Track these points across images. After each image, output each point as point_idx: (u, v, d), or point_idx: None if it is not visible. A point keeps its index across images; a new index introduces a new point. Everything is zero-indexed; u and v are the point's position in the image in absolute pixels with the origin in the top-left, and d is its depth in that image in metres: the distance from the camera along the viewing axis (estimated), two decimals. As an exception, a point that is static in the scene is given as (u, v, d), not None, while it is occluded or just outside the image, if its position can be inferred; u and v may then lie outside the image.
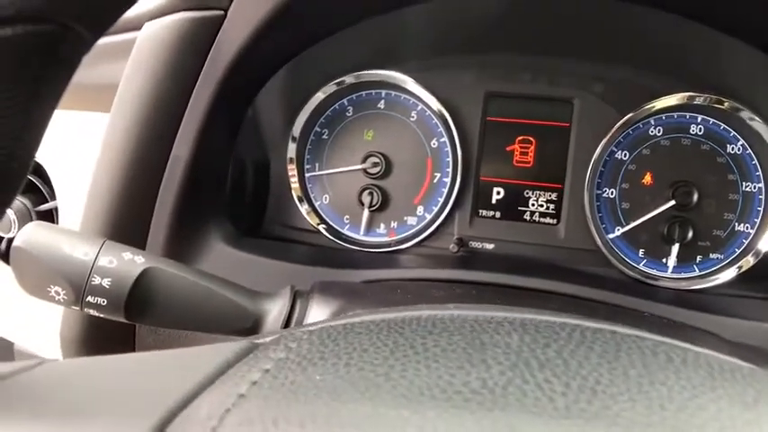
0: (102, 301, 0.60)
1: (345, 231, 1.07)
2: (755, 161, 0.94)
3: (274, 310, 0.67)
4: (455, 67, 1.02)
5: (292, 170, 1.05)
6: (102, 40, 0.38)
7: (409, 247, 1.04)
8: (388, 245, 1.04)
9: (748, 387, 0.37)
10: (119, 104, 0.83)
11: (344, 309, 0.69)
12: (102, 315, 0.61)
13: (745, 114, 0.91)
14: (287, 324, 0.65)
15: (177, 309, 0.63)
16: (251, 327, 0.65)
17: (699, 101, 0.91)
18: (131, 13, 0.66)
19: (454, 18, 0.97)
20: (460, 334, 0.41)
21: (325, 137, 1.07)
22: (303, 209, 1.06)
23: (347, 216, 1.07)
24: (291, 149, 1.05)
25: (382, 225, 1.06)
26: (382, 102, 1.05)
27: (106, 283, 0.59)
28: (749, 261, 0.93)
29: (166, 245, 0.85)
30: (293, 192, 1.06)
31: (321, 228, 1.05)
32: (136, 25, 0.85)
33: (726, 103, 0.91)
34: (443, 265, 0.95)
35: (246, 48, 0.81)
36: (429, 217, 1.03)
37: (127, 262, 0.60)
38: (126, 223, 0.83)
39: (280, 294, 0.69)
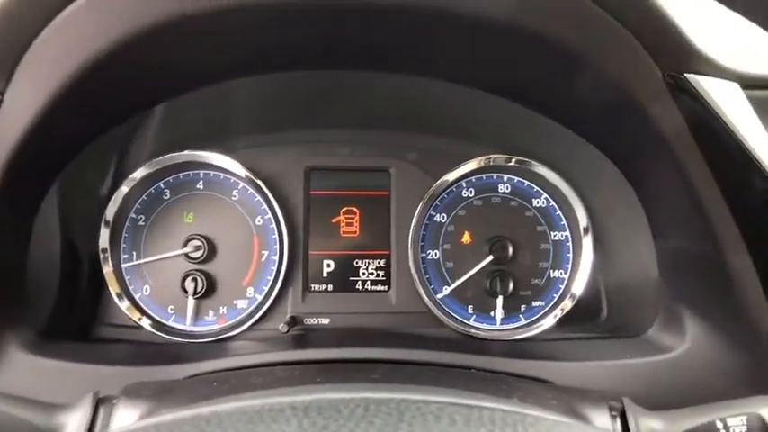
0: None
1: (170, 323, 0.99)
2: (559, 212, 1.01)
3: (72, 423, 0.59)
4: (274, 143, 1.02)
5: (107, 262, 0.97)
6: None
7: (242, 332, 0.98)
8: (219, 332, 0.98)
9: None
10: None
11: (153, 411, 0.62)
12: None
13: (545, 171, 0.99)
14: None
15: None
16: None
17: (496, 161, 0.98)
18: None
19: (270, 96, 0.97)
20: (234, 429, 0.38)
21: (141, 223, 1.00)
22: (122, 304, 0.97)
23: (171, 306, 0.99)
24: (104, 239, 0.97)
25: (210, 312, 1.00)
26: (201, 182, 1.01)
27: None
28: (568, 304, 0.98)
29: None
30: (109, 286, 0.97)
31: (143, 322, 0.97)
32: None
33: (521, 162, 0.98)
34: (277, 347, 0.90)
35: (27, 135, 0.74)
36: (260, 298, 0.99)
37: None
38: None
39: (79, 404, 0.61)
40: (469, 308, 0.99)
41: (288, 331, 0.92)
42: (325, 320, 0.99)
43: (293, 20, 0.68)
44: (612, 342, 0.94)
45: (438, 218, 1.00)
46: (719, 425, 0.65)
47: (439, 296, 0.99)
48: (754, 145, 0.72)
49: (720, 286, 0.78)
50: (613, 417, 0.67)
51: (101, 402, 0.62)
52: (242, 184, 1.01)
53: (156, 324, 0.98)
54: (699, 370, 0.82)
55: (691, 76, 0.72)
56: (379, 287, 1.00)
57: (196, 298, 0.98)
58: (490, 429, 0.37)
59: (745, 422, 0.63)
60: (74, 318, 0.97)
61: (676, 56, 0.71)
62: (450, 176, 0.99)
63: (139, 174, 0.97)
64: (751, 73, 0.77)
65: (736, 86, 0.75)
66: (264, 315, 0.98)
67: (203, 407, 0.44)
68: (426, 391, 0.47)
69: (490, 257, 0.98)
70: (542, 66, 0.76)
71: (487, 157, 0.98)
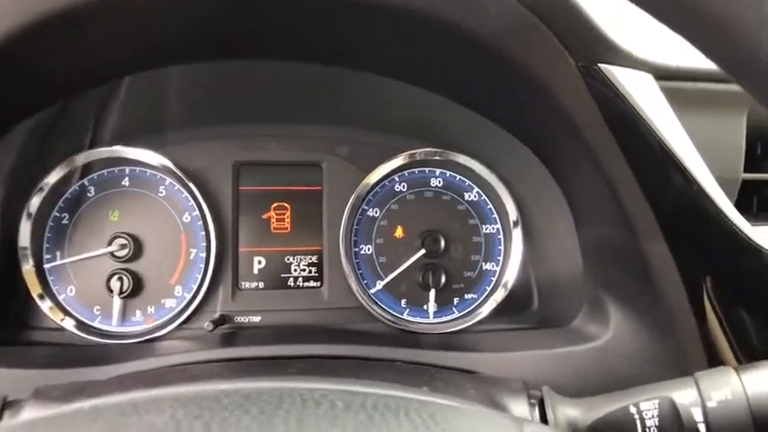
0: None
1: (96, 324, 0.96)
2: (490, 205, 1.02)
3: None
4: (202, 138, 1.00)
5: (28, 261, 0.93)
6: None
7: (170, 331, 0.95)
8: (146, 333, 0.95)
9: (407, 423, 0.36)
10: None
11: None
12: None
13: (475, 165, 0.99)
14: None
15: None
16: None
17: (427, 156, 0.98)
18: None
19: (197, 90, 0.95)
20: (106, 421, 0.37)
21: (65, 221, 0.97)
22: (44, 305, 0.93)
23: (97, 307, 0.96)
24: (25, 237, 0.93)
25: (138, 312, 0.97)
26: (126, 179, 0.98)
27: None
28: (500, 296, 0.99)
29: None
30: (30, 286, 0.93)
31: (66, 323, 0.93)
32: None
33: (452, 156, 0.99)
34: (205, 346, 0.88)
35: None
36: (188, 296, 0.97)
37: None
38: None
39: None
40: (403, 302, 0.99)
41: (213, 329, 0.90)
42: (256, 318, 0.97)
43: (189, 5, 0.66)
44: (541, 332, 0.95)
45: (371, 212, 1.00)
46: (633, 410, 0.65)
47: (372, 291, 0.98)
48: (667, 135, 0.74)
49: (640, 274, 0.80)
50: (532, 405, 0.68)
51: (7, 406, 0.60)
52: (169, 181, 0.98)
53: (81, 325, 0.94)
54: (622, 357, 0.84)
55: (604, 67, 0.73)
56: (312, 284, 0.99)
57: (122, 297, 0.95)
58: (370, 414, 0.36)
59: (657, 406, 0.64)
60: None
61: (589, 46, 0.72)
62: (382, 171, 0.98)
63: (61, 171, 0.94)
64: (664, 64, 0.78)
65: (649, 77, 0.76)
66: (193, 314, 0.96)
67: (87, 402, 0.42)
68: (323, 381, 0.46)
69: (422, 251, 0.98)
70: (456, 55, 0.76)
71: (418, 150, 0.98)
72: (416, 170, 1.01)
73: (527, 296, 1.02)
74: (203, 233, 0.97)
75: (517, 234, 0.99)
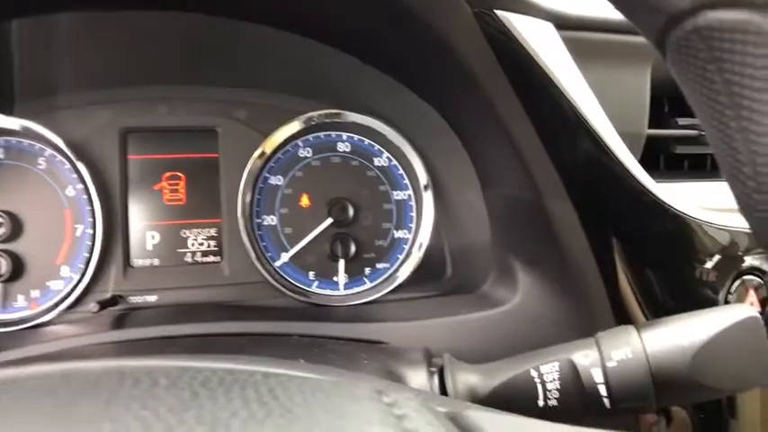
0: None
1: (-28, 312, 0.87)
2: (401, 171, 0.97)
3: None
4: (84, 104, 0.91)
5: None
6: None
7: (58, 315, 0.88)
8: (31, 318, 0.87)
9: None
10: None
11: None
12: None
13: (384, 128, 0.94)
14: None
15: None
16: None
17: (329, 118, 0.92)
18: None
19: (76, 49, 0.86)
20: None
21: (-69, 201, 0.87)
22: None
23: (-26, 293, 0.87)
24: None
25: (20, 297, 0.89)
26: (1, 151, 0.89)
27: None
28: (413, 263, 0.95)
29: None
30: None
31: (-63, 313, 0.85)
32: None
33: (358, 118, 0.93)
34: (96, 329, 0.81)
35: None
36: (76, 277, 0.89)
37: None
38: None
39: None
40: (311, 274, 0.94)
41: (100, 311, 0.83)
42: (152, 297, 0.90)
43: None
44: (452, 299, 0.92)
45: (273, 180, 0.94)
46: (534, 373, 0.63)
47: (277, 264, 0.93)
48: (567, 87, 0.70)
49: (546, 236, 0.77)
50: (431, 374, 0.65)
51: None
52: (49, 151, 0.89)
53: (-46, 314, 0.86)
54: (530, 321, 0.81)
55: (501, 13, 0.68)
56: (211, 258, 0.92)
57: (2, 282, 0.87)
58: (196, 391, 0.32)
59: (557, 368, 0.62)
60: None
61: (486, -9, 0.67)
62: (283, 134, 0.92)
63: None
64: (565, 12, 0.74)
65: (549, 26, 0.72)
66: (83, 296, 0.89)
67: None
68: (183, 359, 0.41)
69: (330, 220, 0.93)
70: (350, 5, 0.70)
71: (319, 112, 0.92)
72: (322, 134, 0.95)
73: (440, 263, 0.98)
74: (89, 208, 0.89)
75: (428, 199, 0.95)
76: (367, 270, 0.95)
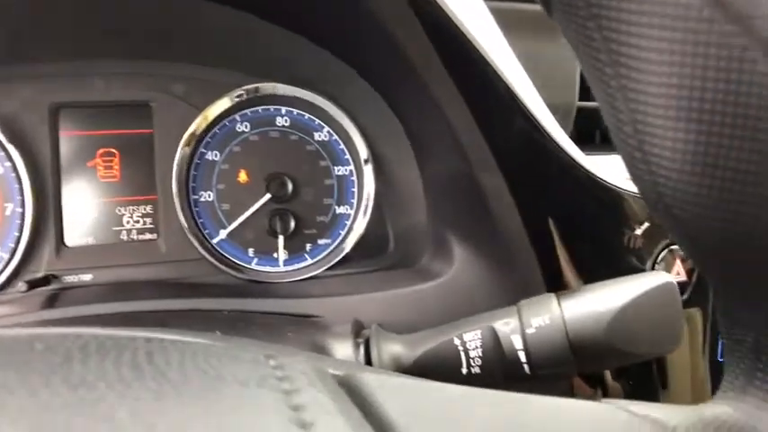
0: None
1: None
2: (342, 146, 0.96)
3: None
4: (12, 78, 0.88)
5: None
6: None
7: (-11, 295, 0.86)
8: (-40, 300, 0.85)
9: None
10: None
11: None
12: None
13: (323, 102, 0.93)
14: None
15: None
16: None
17: (265, 90, 0.91)
18: None
19: (6, 24, 0.83)
20: None
21: None
22: None
23: None
24: None
25: (-53, 278, 0.86)
26: (-77, 128, 0.86)
27: None
28: (354, 239, 0.95)
29: None
30: None
31: None
32: None
33: (296, 92, 0.92)
34: (29, 308, 0.80)
35: None
36: (7, 257, 0.87)
37: None
38: None
39: None
40: (250, 251, 0.93)
41: (28, 290, 0.81)
42: (87, 276, 0.89)
43: None
44: (392, 273, 0.92)
45: (210, 156, 0.92)
46: (457, 341, 0.64)
47: (215, 241, 0.92)
48: (496, 58, 0.70)
49: (479, 210, 0.77)
50: (357, 345, 0.65)
51: None
52: (-25, 128, 0.86)
53: None
54: (465, 293, 0.82)
55: (427, -17, 0.67)
56: (147, 236, 0.91)
57: (-73, 263, 0.85)
58: (69, 356, 0.31)
59: (480, 336, 0.63)
60: None
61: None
62: (218, 108, 0.90)
63: None
64: (494, -17, 0.74)
65: (478, -3, 0.72)
66: (14, 276, 0.87)
67: None
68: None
69: (268, 196, 0.92)
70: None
71: (256, 86, 0.91)
72: (260, 109, 0.94)
73: (383, 238, 0.98)
74: (18, 186, 0.87)
75: (369, 174, 0.95)
76: (308, 246, 0.95)
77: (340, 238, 0.96)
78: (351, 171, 0.97)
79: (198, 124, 0.90)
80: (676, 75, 0.30)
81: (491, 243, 0.80)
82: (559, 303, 0.64)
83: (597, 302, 0.62)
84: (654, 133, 0.32)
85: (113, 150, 0.91)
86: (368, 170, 0.95)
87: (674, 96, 0.30)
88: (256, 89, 0.92)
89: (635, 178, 0.36)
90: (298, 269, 0.94)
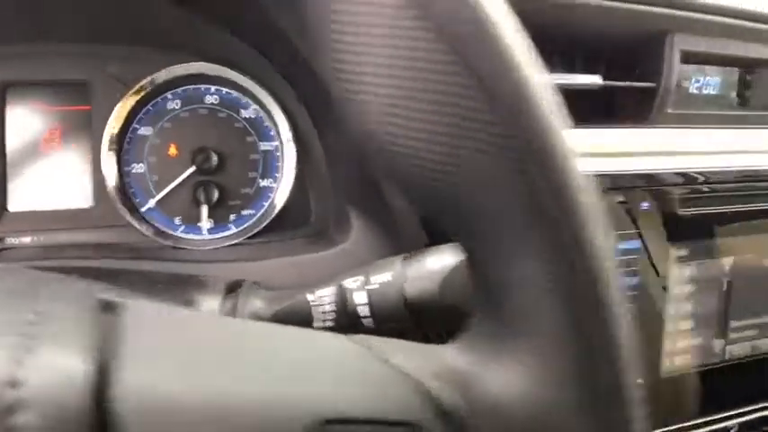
0: None
1: None
2: (267, 123, 1.02)
3: None
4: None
5: None
6: None
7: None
8: None
9: None
10: None
11: None
12: None
13: (247, 81, 0.99)
14: None
15: None
16: None
17: (194, 69, 0.97)
18: None
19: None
20: None
21: None
22: None
23: None
24: None
25: None
26: None
27: None
28: (274, 210, 1.00)
29: None
30: None
31: None
32: None
33: (221, 71, 0.98)
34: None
35: None
36: (-45, 220, 0.96)
37: None
38: None
39: None
40: (177, 219, 1.00)
41: (-33, 249, 0.90)
42: (27, 239, 0.97)
43: None
44: (302, 241, 0.97)
45: (143, 131, 1.00)
46: (311, 297, 0.68)
47: (144, 209, 0.99)
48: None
49: (370, 184, 0.82)
50: (225, 299, 0.70)
51: None
52: (-70, 104, 0.96)
53: None
54: (358, 261, 0.85)
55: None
56: (81, 204, 0.99)
57: None
58: None
59: (333, 292, 0.67)
60: None
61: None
62: (150, 86, 0.97)
63: None
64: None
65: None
66: (-39, 237, 0.96)
67: None
68: None
69: (192, 168, 0.98)
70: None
71: (185, 65, 0.97)
72: (191, 87, 1.01)
73: (305, 211, 1.03)
74: (-33, 156, 0.96)
75: (290, 150, 1.00)
76: (232, 216, 1.01)
77: (263, 209, 1.02)
78: (276, 147, 1.02)
79: (132, 101, 0.97)
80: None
81: (382, 215, 0.84)
82: (405, 262, 0.67)
83: (435, 261, 0.66)
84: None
85: (56, 125, 0.99)
86: (289, 146, 1.00)
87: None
88: (187, 68, 0.98)
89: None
90: (221, 237, 1.00)
